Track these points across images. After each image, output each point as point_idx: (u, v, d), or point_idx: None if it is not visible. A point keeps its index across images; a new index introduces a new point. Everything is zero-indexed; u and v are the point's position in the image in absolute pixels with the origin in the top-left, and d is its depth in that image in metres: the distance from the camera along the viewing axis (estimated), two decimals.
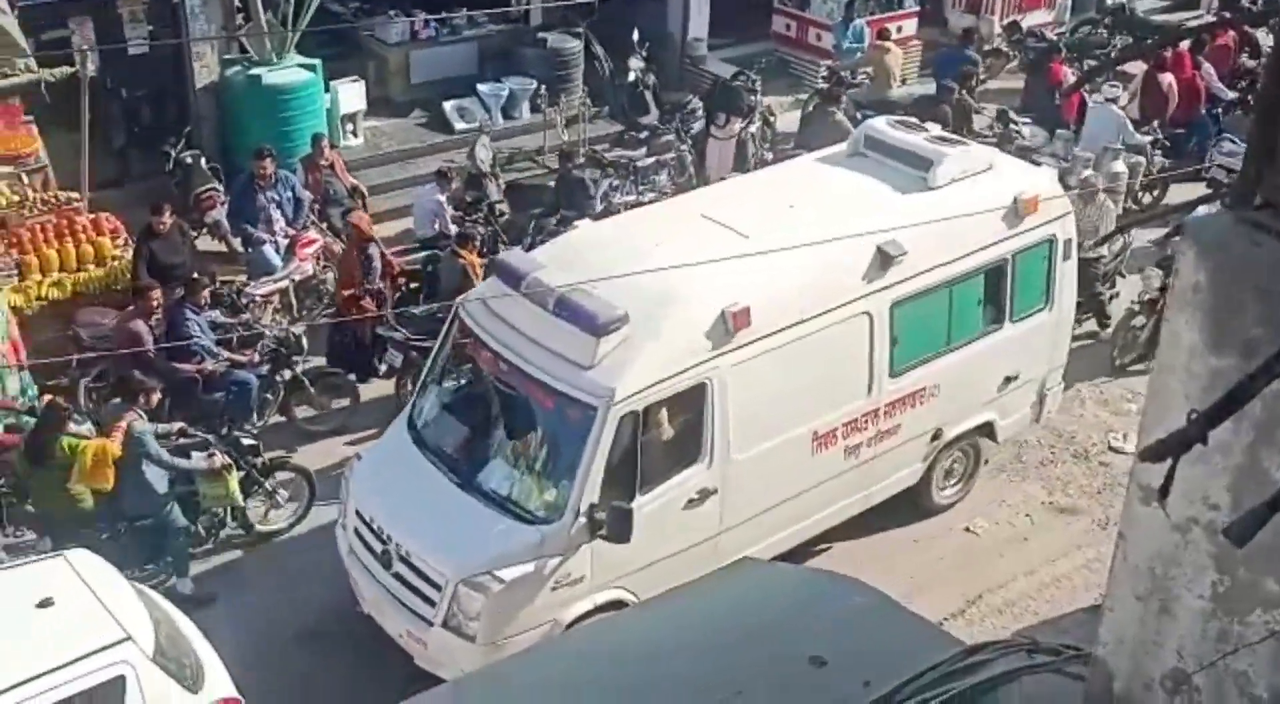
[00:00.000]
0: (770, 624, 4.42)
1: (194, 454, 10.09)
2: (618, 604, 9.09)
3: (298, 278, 13.57)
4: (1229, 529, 2.79)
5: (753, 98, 16.89)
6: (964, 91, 16.59)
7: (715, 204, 10.29)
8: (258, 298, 13.10)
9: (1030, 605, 10.44)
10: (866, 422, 10.04)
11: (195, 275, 11.91)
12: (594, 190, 14.48)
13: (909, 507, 11.07)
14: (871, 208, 10.05)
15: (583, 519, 8.70)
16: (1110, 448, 12.37)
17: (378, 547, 9.13)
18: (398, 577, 9.00)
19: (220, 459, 10.00)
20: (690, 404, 9.09)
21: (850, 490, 10.26)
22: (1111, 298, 13.81)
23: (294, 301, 13.55)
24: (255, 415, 11.71)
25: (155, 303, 11.57)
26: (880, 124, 11.20)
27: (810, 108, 16.89)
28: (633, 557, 8.91)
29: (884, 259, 9.68)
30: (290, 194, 13.97)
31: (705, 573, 7.09)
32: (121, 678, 7.56)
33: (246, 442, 10.64)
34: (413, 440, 9.55)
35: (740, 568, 5.76)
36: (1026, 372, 11.08)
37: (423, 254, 13.80)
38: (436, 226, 14.10)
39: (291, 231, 13.79)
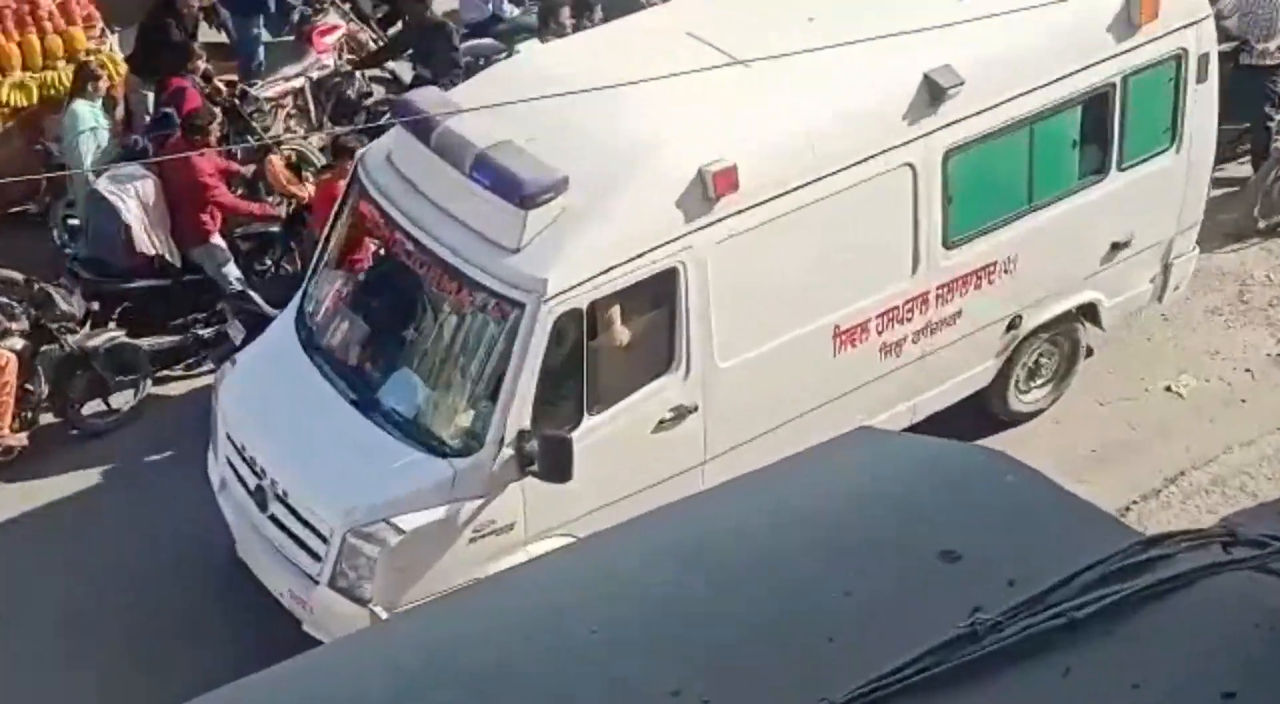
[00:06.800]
0: (891, 509, 3.69)
1: None
2: None
3: (315, 75, 11.49)
4: None
5: None
6: None
7: (708, 18, 8.30)
8: (263, 101, 11.08)
9: (1247, 484, 9.28)
10: (911, 310, 8.30)
11: None
12: (458, 38, 11.37)
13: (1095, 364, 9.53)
14: (920, 22, 7.89)
15: (509, 450, 7.21)
16: None
17: (251, 482, 7.64)
18: (275, 521, 7.54)
19: None
20: (657, 297, 7.57)
21: (891, 399, 8.45)
22: None
23: (312, 105, 11.49)
24: None
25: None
26: None
27: None
28: (584, 496, 7.39)
29: (934, 91, 7.86)
30: None
31: None
32: None
33: None
34: (301, 342, 7.91)
35: (855, 439, 4.64)
36: (1143, 235, 9.01)
37: (469, 43, 11.58)
38: (490, 8, 12.07)
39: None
